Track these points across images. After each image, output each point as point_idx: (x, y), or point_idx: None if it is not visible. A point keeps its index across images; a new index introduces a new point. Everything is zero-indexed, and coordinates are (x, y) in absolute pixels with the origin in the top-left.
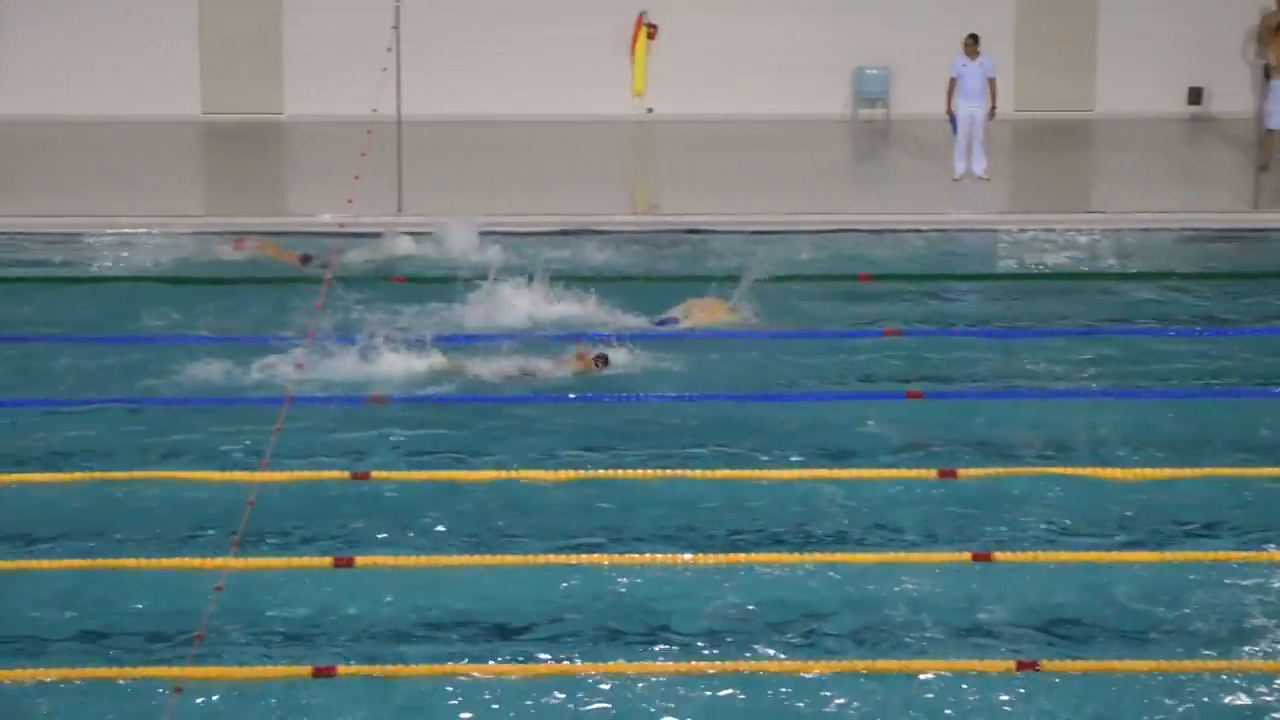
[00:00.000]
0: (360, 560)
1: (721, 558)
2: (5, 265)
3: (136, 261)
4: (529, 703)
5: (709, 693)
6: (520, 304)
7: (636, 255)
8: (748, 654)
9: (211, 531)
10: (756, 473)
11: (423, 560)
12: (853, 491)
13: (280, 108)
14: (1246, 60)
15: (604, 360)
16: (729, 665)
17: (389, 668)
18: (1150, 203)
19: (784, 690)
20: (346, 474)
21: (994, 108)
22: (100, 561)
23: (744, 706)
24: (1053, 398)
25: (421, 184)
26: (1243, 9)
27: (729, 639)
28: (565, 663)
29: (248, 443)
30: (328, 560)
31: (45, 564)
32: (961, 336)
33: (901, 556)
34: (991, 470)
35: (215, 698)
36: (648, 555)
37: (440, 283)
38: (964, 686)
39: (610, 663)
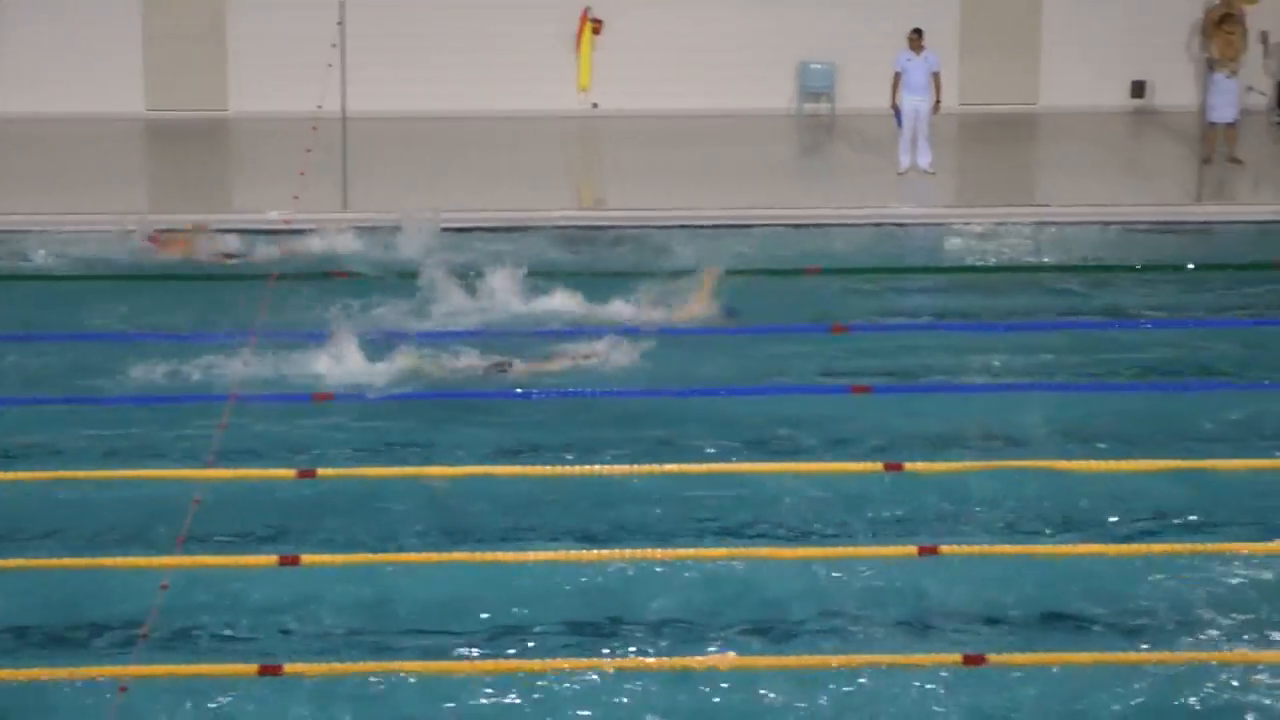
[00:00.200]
0: (306, 558)
1: (669, 552)
2: None
3: (79, 259)
4: (480, 700)
5: (658, 688)
6: (463, 300)
7: (583, 250)
8: (695, 649)
9: (156, 530)
10: (703, 466)
11: (369, 557)
12: (799, 486)
13: (225, 104)
14: (1189, 54)
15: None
16: (678, 661)
17: (336, 665)
18: (1094, 196)
19: (729, 685)
20: (292, 471)
21: (938, 102)
22: (44, 560)
23: (690, 702)
24: (999, 391)
25: (367, 180)
26: (1185, 3)
27: (677, 634)
28: (517, 659)
29: (192, 441)
30: (273, 558)
31: None
32: (908, 331)
33: (848, 550)
34: (938, 464)
35: (160, 696)
36: (598, 551)
37: (385, 279)
38: (911, 680)
39: (563, 659)
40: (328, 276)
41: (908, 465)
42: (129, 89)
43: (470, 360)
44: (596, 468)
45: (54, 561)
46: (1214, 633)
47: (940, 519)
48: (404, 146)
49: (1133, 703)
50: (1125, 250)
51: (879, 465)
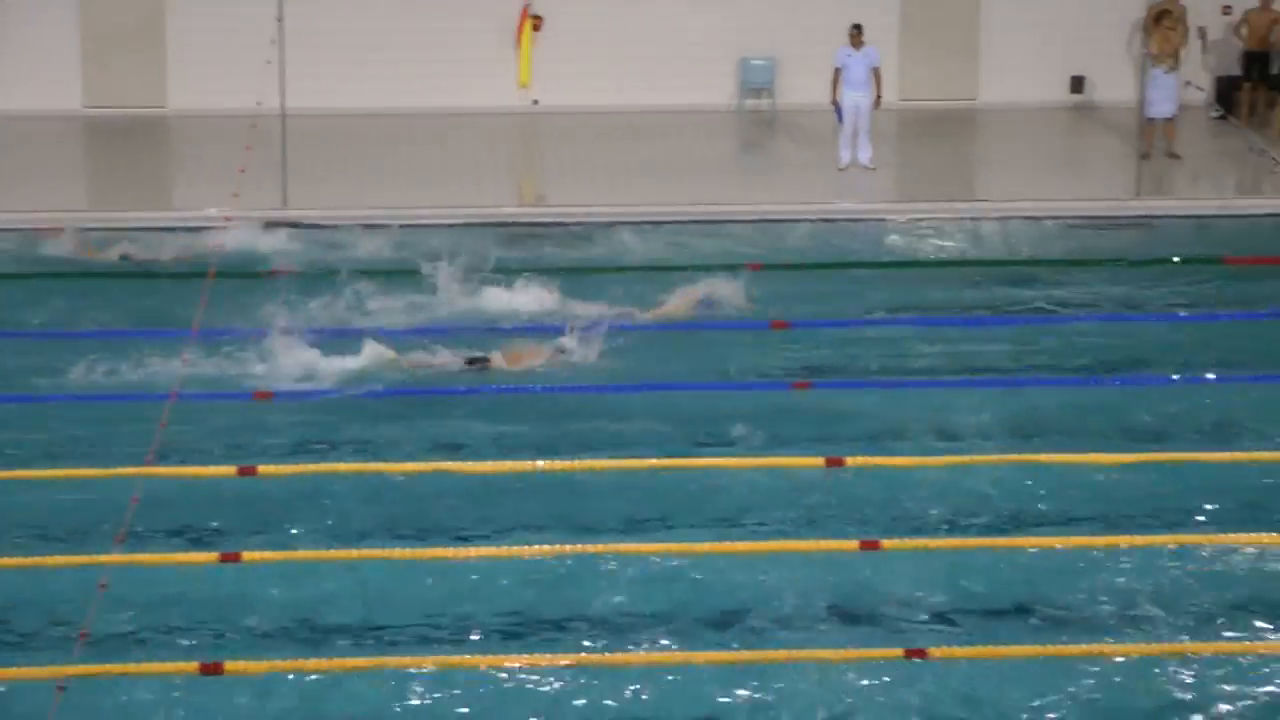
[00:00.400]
0: (247, 555)
1: (611, 547)
2: None
3: (16, 257)
4: (423, 697)
5: (598, 684)
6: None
7: (526, 247)
8: (635, 645)
9: (96, 528)
10: (644, 462)
11: (311, 554)
12: (740, 481)
13: (163, 101)
14: (1128, 49)
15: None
16: (619, 657)
17: (278, 663)
18: (1034, 191)
19: (671, 681)
20: (233, 469)
21: (879, 97)
22: None
23: (632, 698)
24: (940, 386)
25: (307, 177)
26: None
27: (619, 630)
28: (456, 656)
29: (132, 439)
30: (214, 555)
31: None
32: (848, 326)
33: (789, 545)
34: (880, 459)
35: (100, 696)
36: (539, 546)
37: (325, 276)
38: (852, 674)
39: (501, 655)
40: (260, 275)
41: (849, 460)
42: (67, 86)
43: (445, 357)
44: (538, 463)
45: None
46: (1158, 625)
47: (882, 513)
48: (344, 143)
49: (1075, 696)
50: (1064, 245)
51: (820, 460)
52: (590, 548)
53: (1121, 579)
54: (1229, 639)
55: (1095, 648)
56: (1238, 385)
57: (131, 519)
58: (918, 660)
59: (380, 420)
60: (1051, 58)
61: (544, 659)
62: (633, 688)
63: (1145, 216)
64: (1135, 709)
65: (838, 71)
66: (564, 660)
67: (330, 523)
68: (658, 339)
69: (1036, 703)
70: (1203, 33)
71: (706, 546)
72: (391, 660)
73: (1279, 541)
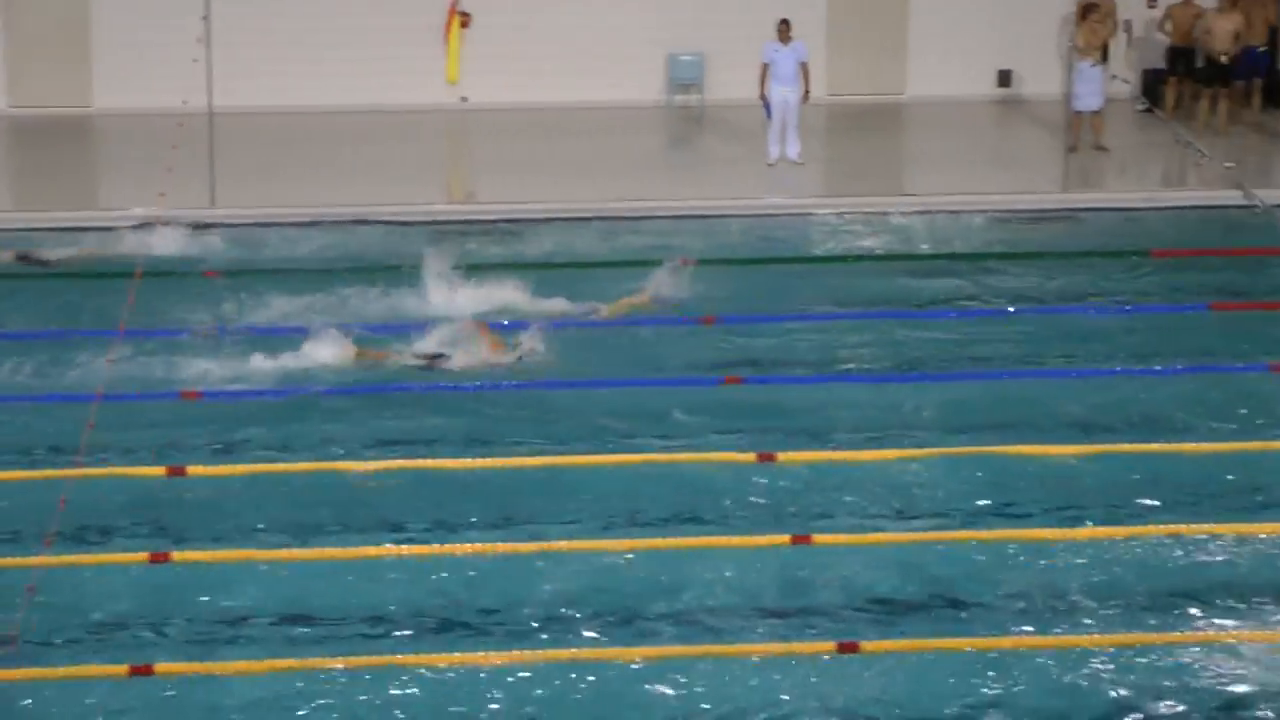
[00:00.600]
0: (177, 555)
1: (543, 545)
2: None
3: None
4: (353, 696)
5: (529, 681)
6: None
7: (457, 244)
8: (568, 641)
9: (24, 530)
10: (575, 459)
11: (240, 554)
12: (672, 476)
13: (89, 100)
14: (1054, 43)
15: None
16: (549, 654)
17: (208, 665)
18: (962, 184)
19: (604, 677)
20: (162, 469)
21: (807, 92)
22: None
23: (564, 694)
24: (870, 380)
25: (235, 176)
26: None
27: (550, 627)
28: (387, 655)
29: (59, 440)
30: (143, 555)
31: None
32: (779, 321)
33: (721, 540)
34: (810, 453)
35: (29, 700)
36: (469, 545)
37: (254, 275)
38: (785, 669)
39: (433, 654)
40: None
41: (780, 455)
42: None
43: (405, 355)
44: (466, 461)
45: None
46: (1086, 617)
47: (813, 508)
48: (273, 142)
49: (1006, 688)
50: (992, 238)
51: (751, 455)
52: (521, 546)
53: (1050, 571)
54: (1158, 630)
55: (1027, 640)
56: (1165, 377)
57: (60, 521)
58: (850, 654)
59: (311, 419)
60: (979, 52)
61: (473, 657)
62: (563, 684)
63: (1073, 209)
64: (1065, 700)
65: (766, 67)
66: (495, 658)
67: (261, 523)
68: (587, 336)
69: (969, 696)
70: (1128, 26)
71: (637, 542)
72: (322, 661)
73: (1209, 532)
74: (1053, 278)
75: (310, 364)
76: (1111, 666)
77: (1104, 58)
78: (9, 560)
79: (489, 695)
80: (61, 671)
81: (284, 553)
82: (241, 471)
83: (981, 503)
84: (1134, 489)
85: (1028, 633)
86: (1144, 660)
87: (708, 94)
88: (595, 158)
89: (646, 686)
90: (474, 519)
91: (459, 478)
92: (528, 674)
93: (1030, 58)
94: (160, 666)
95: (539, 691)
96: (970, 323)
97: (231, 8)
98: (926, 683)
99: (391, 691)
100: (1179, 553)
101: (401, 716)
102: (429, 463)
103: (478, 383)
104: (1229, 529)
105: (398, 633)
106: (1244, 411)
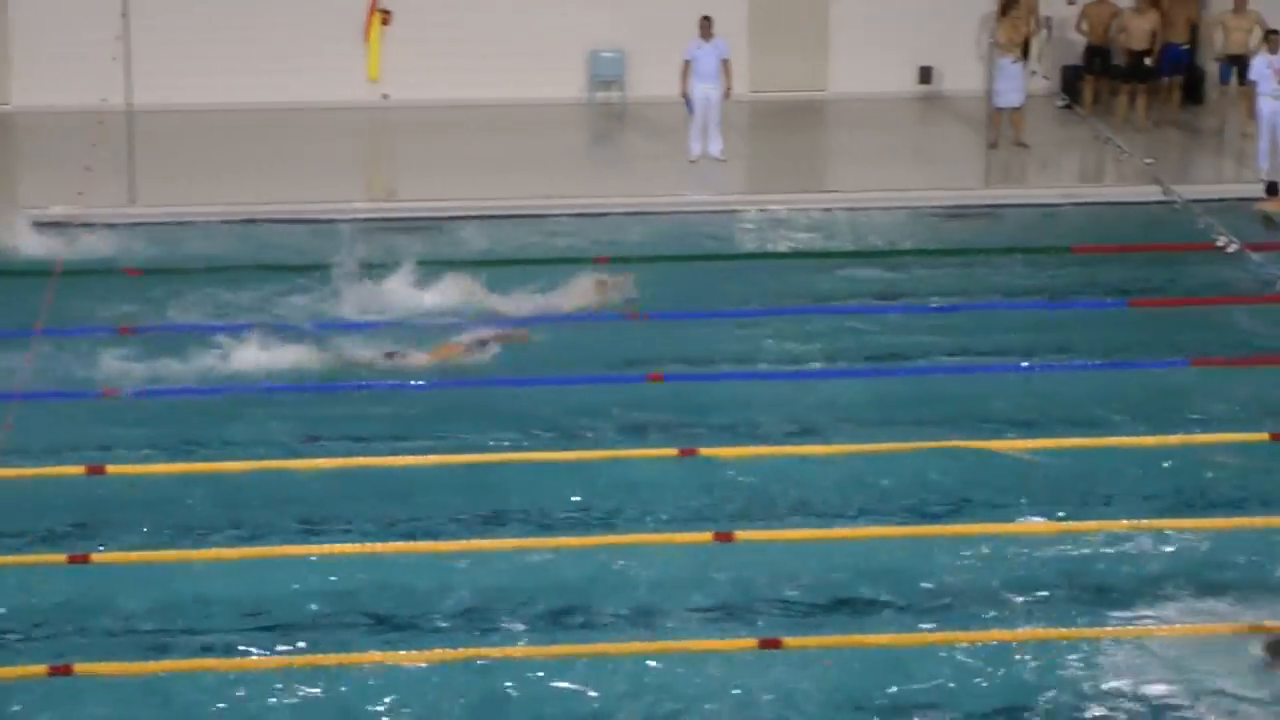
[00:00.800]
0: (96, 556)
1: (468, 544)
2: None
3: None
4: (276, 697)
5: (452, 680)
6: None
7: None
8: (493, 639)
9: None
10: (499, 456)
11: (160, 555)
12: (594, 473)
13: (7, 98)
14: (975, 40)
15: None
16: (472, 652)
17: (128, 665)
18: (884, 181)
19: (528, 675)
20: (82, 468)
21: (729, 89)
22: None
23: (487, 692)
24: (793, 377)
25: (155, 175)
26: None
27: (471, 626)
28: (315, 654)
29: None
30: (62, 557)
31: None
32: (701, 318)
33: (643, 537)
34: (734, 449)
35: None
36: (397, 543)
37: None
38: (707, 665)
39: (359, 652)
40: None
41: (703, 450)
42: None
43: (363, 353)
44: (392, 459)
45: None
46: (1008, 612)
47: (736, 505)
48: (193, 140)
49: (929, 683)
50: (914, 235)
51: (674, 451)
52: (441, 545)
53: (974, 566)
54: (1080, 624)
55: (949, 635)
56: (1085, 372)
57: None
58: (772, 650)
59: (231, 418)
60: (900, 48)
61: (396, 656)
62: (487, 682)
63: (994, 205)
64: (988, 696)
65: (687, 64)
66: (417, 657)
67: (180, 522)
68: (517, 335)
69: (892, 689)
70: (1048, 23)
71: (559, 540)
72: (243, 661)
73: (1125, 528)
74: (974, 274)
75: (231, 362)
76: (1033, 662)
77: (1024, 54)
78: None
79: (412, 692)
80: None
81: (205, 553)
82: (162, 471)
83: (904, 498)
84: (1055, 484)
85: (949, 629)
86: (1067, 656)
87: (629, 91)
88: (517, 155)
89: (567, 685)
90: (395, 518)
91: (386, 474)
92: (448, 674)
93: (951, 54)
94: (80, 667)
95: (459, 691)
96: (892, 318)
97: (150, 5)
98: (849, 679)
99: (311, 690)
100: (1096, 547)
101: (321, 714)
102: (351, 461)
103: (395, 381)
104: (1149, 525)
105: (323, 633)
106: (1163, 407)
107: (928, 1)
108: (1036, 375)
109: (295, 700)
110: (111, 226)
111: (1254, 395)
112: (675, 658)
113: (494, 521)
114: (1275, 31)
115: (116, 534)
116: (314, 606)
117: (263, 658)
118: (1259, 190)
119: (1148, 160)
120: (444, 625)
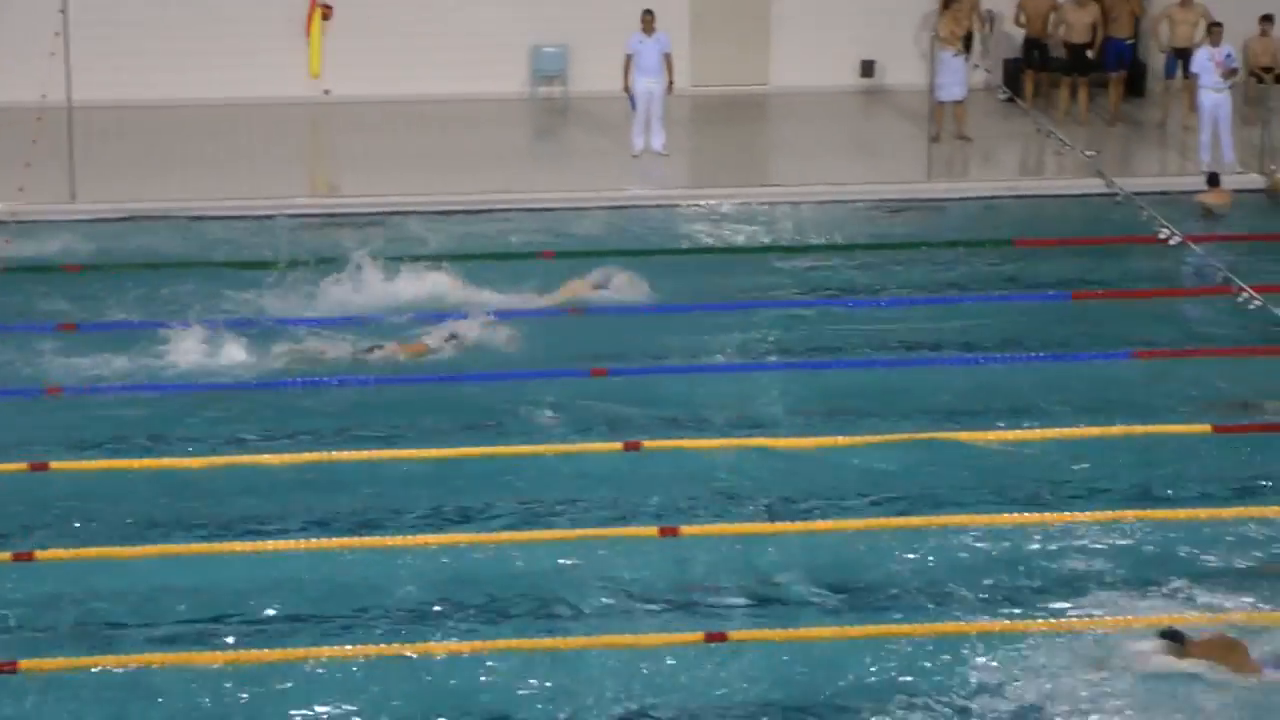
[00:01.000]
0: (40, 554)
1: (409, 540)
2: None
3: None
4: (221, 696)
5: (399, 674)
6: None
7: (323, 236)
8: (430, 635)
9: None
10: (441, 451)
11: (105, 551)
12: (538, 467)
13: None
14: (916, 33)
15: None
16: (419, 646)
17: (72, 660)
18: (827, 175)
19: (467, 671)
20: (25, 465)
21: (671, 83)
22: None
23: (433, 688)
24: (736, 370)
25: (96, 171)
26: None
27: (418, 621)
28: (256, 650)
29: None
30: (6, 555)
31: None
32: (644, 313)
33: (588, 532)
34: (677, 441)
35: None
36: (337, 539)
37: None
38: (653, 659)
39: (298, 649)
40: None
41: (646, 443)
42: None
43: (341, 347)
44: (332, 454)
45: None
46: (954, 605)
47: (681, 498)
48: (133, 135)
49: (875, 676)
50: (857, 229)
51: (618, 445)
52: (387, 540)
53: (923, 559)
54: (1026, 617)
55: (895, 628)
56: (1028, 364)
57: None
58: (718, 644)
59: (172, 415)
60: (841, 42)
61: (342, 650)
62: (433, 678)
63: (936, 199)
64: (935, 688)
65: (629, 58)
66: (364, 651)
67: (124, 518)
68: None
69: (840, 682)
70: (990, 16)
71: (505, 535)
72: (190, 656)
73: (1073, 520)
74: (917, 267)
75: (174, 358)
76: (980, 655)
77: (966, 48)
78: None
79: (347, 688)
80: None
81: (149, 549)
82: (105, 467)
83: (850, 491)
84: (998, 476)
85: (895, 622)
86: (1008, 646)
87: (571, 86)
88: (459, 150)
89: (514, 679)
90: (339, 513)
91: (328, 470)
92: (394, 669)
93: (893, 48)
94: (25, 663)
95: (407, 686)
96: (835, 311)
97: (89, 1)
98: (795, 672)
99: (256, 688)
100: (1043, 541)
101: (266, 710)
102: (289, 457)
103: (340, 377)
104: (1090, 517)
105: (267, 627)
106: (1106, 399)
107: None
108: (980, 367)
109: (244, 697)
110: (52, 223)
111: (1196, 387)
112: (621, 651)
113: (435, 517)
114: (1218, 24)
115: (61, 531)
116: (258, 602)
117: (209, 653)
118: (1201, 183)
119: (1089, 153)
120: (385, 620)
